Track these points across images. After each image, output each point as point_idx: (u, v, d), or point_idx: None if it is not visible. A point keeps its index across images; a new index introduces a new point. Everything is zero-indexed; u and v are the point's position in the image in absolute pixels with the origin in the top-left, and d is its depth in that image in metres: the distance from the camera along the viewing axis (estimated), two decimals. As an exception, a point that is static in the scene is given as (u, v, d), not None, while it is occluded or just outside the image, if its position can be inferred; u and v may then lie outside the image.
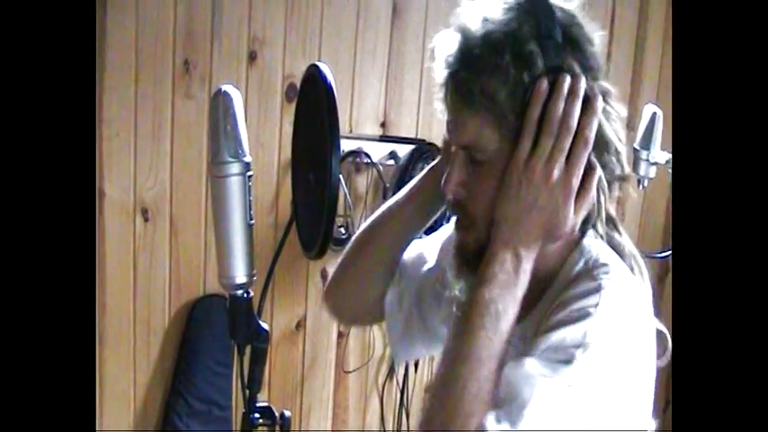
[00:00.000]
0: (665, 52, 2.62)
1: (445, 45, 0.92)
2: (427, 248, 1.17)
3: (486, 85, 0.87)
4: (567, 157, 0.87)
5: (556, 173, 0.87)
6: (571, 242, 0.95)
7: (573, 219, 0.89)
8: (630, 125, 2.46)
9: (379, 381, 2.58)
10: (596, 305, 0.84)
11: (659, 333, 0.91)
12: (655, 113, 1.86)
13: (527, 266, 0.89)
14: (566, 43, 0.89)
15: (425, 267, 1.16)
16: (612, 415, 0.82)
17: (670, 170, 1.81)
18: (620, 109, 0.93)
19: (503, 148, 0.89)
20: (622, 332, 0.85)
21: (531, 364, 0.81)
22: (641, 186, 1.92)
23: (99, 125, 2.13)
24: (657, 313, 0.92)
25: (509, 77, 0.87)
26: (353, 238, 1.18)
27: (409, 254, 1.17)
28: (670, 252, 2.25)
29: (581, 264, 0.93)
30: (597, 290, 0.86)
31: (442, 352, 0.89)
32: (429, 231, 1.19)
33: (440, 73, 0.93)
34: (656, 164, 1.87)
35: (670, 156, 1.82)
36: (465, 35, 0.90)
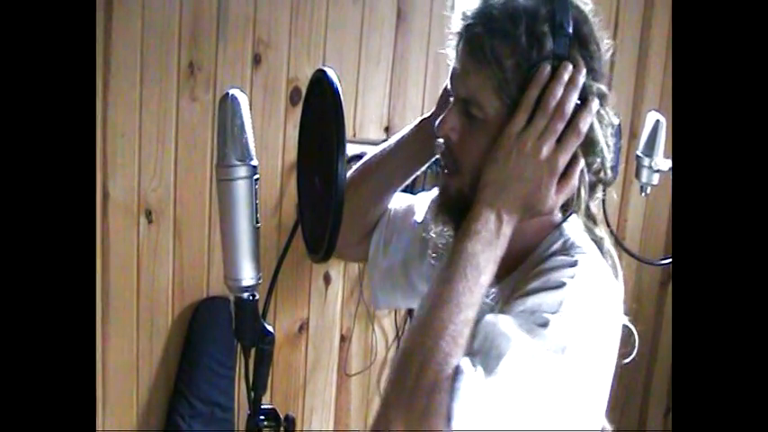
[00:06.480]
0: (669, 59, 2.61)
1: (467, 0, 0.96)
2: (417, 203, 1.23)
3: (496, 47, 0.92)
4: (558, 141, 0.92)
5: (545, 150, 0.92)
6: (551, 225, 1.00)
7: (553, 199, 0.94)
8: (633, 132, 2.47)
9: (381, 384, 2.58)
10: (572, 277, 0.89)
11: (627, 330, 0.96)
12: (658, 121, 1.86)
13: (507, 231, 0.93)
14: (575, 38, 0.93)
15: (413, 219, 1.21)
16: (578, 386, 0.85)
17: (673, 177, 1.82)
18: (613, 117, 0.97)
19: (499, 112, 0.94)
20: (594, 305, 0.90)
21: (507, 322, 0.84)
22: (644, 193, 1.92)
23: (104, 126, 2.14)
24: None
25: (518, 47, 0.91)
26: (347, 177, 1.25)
27: (399, 205, 1.24)
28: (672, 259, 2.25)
29: (558, 243, 0.98)
30: (573, 264, 0.91)
31: (424, 296, 0.92)
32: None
33: (456, 23, 0.96)
34: (658, 171, 1.87)
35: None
36: None
